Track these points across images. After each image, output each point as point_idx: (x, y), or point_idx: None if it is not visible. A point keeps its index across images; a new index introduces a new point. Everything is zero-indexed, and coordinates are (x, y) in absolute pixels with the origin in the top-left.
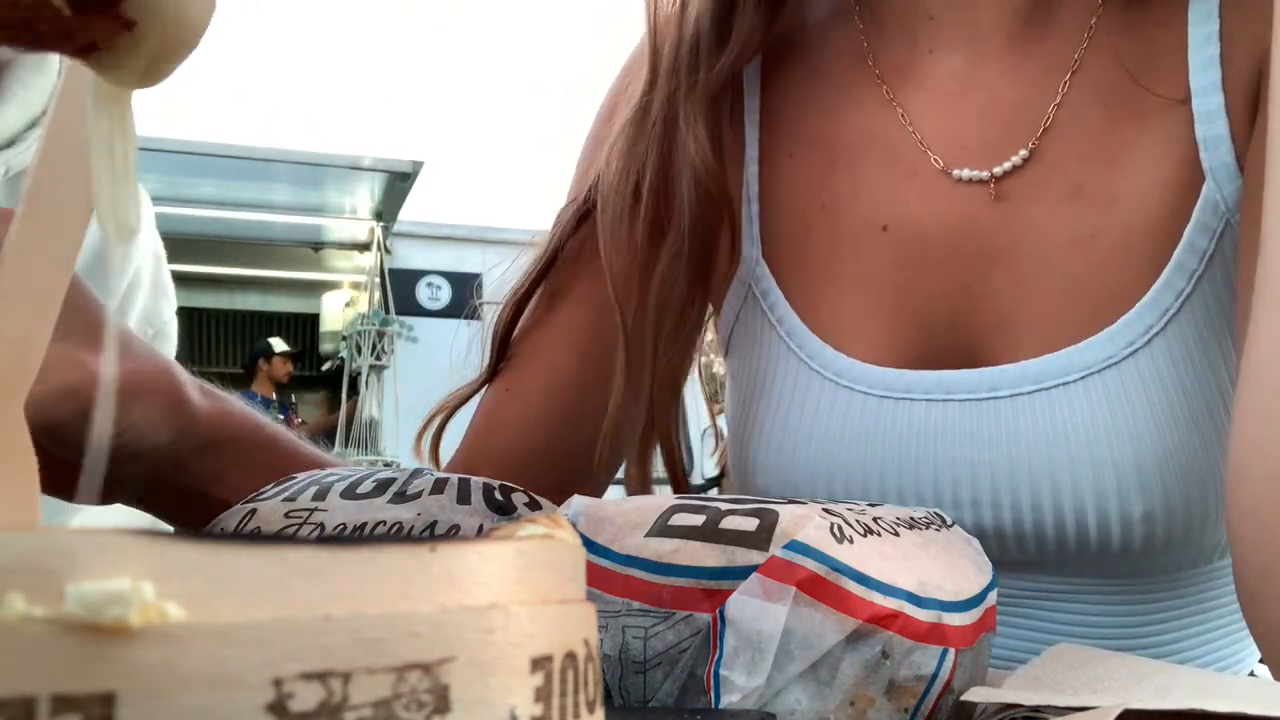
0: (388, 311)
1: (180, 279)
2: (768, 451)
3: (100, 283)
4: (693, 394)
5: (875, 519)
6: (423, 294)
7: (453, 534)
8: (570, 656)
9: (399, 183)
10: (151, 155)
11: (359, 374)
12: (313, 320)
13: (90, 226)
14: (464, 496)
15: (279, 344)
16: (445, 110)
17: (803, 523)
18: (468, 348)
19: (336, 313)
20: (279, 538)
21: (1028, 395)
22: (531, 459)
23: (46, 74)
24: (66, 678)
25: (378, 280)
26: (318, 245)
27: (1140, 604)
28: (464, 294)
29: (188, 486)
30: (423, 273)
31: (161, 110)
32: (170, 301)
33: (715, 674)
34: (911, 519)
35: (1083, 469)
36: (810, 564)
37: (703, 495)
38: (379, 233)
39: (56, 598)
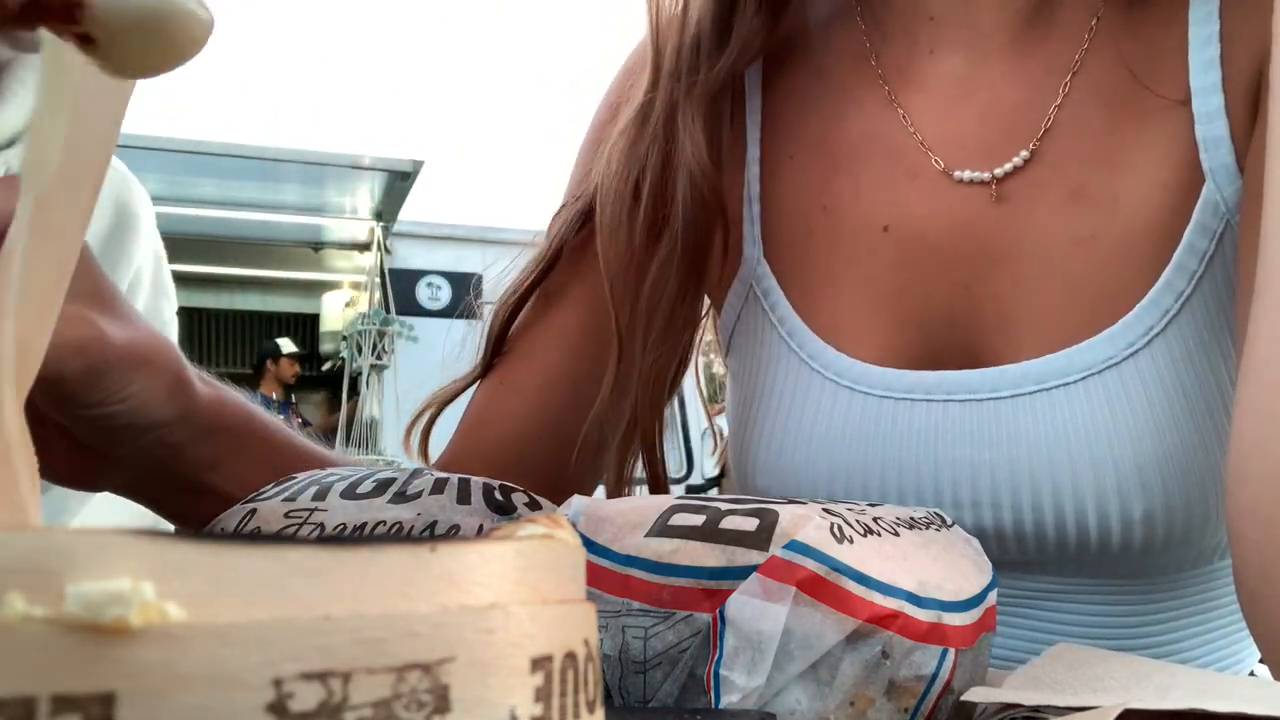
0: (388, 311)
1: (180, 279)
2: (768, 451)
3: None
4: (694, 394)
5: (875, 519)
6: (423, 294)
7: (453, 534)
8: (570, 656)
9: (399, 182)
10: (152, 155)
11: (359, 374)
12: (313, 320)
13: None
14: (464, 496)
15: (287, 345)
16: (446, 109)
17: (803, 523)
18: (461, 343)
19: (337, 313)
20: (279, 538)
21: (1028, 396)
22: (524, 454)
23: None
24: (66, 678)
25: (378, 280)
26: (318, 245)
27: (1140, 604)
28: (464, 294)
29: (182, 474)
30: (423, 273)
31: (161, 110)
32: (171, 301)
33: (715, 674)
34: (911, 519)
35: (1083, 469)
36: (810, 564)
37: (703, 495)
38: (379, 233)
39: (56, 598)
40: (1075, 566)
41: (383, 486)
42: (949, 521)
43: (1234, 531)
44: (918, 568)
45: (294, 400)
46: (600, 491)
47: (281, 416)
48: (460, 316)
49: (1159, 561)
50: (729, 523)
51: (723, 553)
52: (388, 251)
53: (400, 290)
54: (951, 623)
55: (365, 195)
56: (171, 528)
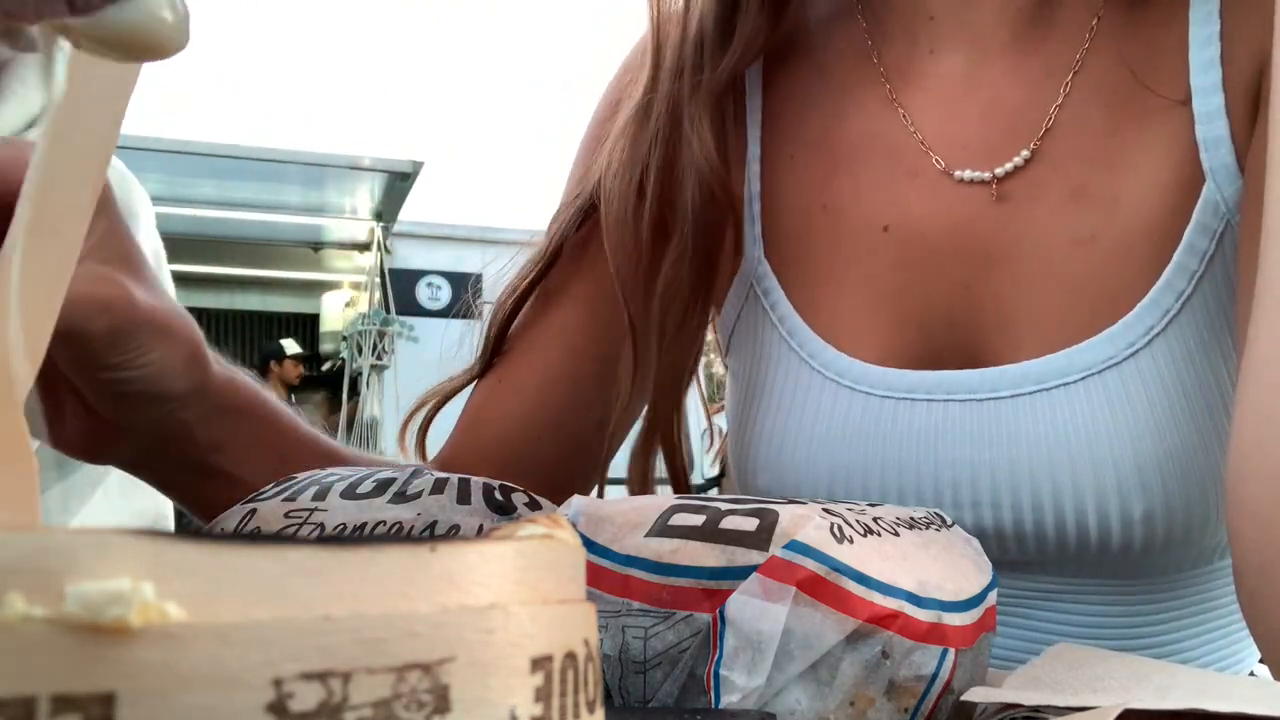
0: (388, 311)
1: (180, 279)
2: (768, 451)
3: None
4: (692, 394)
5: (875, 519)
6: (423, 294)
7: (453, 534)
8: (570, 656)
9: (399, 183)
10: (151, 155)
11: (359, 374)
12: (313, 320)
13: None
14: (464, 496)
15: (291, 346)
16: (445, 110)
17: (803, 523)
18: (459, 342)
19: (336, 313)
20: (279, 538)
21: (1028, 396)
22: (523, 453)
23: (47, 73)
24: (66, 678)
25: (378, 280)
26: (318, 245)
27: (1140, 604)
28: (464, 294)
29: (190, 453)
30: (423, 273)
31: (161, 110)
32: None
33: (715, 674)
34: (911, 519)
35: (1083, 469)
36: (810, 564)
37: (703, 495)
38: (379, 233)
39: (56, 598)
40: (1075, 566)
41: (383, 486)
42: (949, 521)
43: (1234, 531)
44: (918, 568)
45: (294, 400)
46: (609, 492)
47: None
48: (459, 316)
49: (1159, 561)
50: (729, 523)
51: (723, 553)
52: (388, 251)
53: (400, 290)
54: (951, 623)
55: (365, 195)
56: (171, 528)
